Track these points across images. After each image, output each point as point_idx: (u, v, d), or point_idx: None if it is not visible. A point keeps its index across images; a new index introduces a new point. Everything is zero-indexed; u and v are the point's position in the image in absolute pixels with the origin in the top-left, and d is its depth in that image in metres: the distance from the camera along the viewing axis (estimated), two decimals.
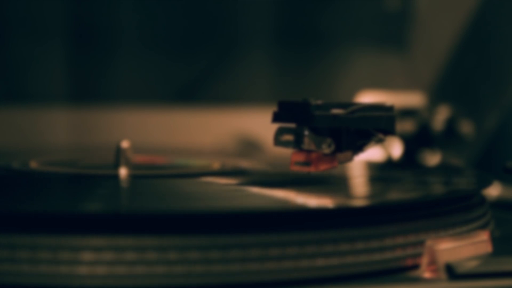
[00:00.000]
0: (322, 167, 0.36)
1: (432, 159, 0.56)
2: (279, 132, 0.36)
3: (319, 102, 0.35)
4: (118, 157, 0.43)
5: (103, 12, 0.71)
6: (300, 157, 0.36)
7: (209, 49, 0.73)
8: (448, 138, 0.57)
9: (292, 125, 0.36)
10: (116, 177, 0.41)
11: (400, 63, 0.75)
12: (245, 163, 0.49)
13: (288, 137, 0.36)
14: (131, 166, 0.43)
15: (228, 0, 0.73)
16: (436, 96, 0.65)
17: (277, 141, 0.36)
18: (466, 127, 0.58)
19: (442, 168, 0.52)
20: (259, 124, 0.67)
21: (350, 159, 0.37)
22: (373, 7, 0.75)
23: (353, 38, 0.75)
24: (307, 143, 0.35)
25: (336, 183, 0.39)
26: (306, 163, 0.36)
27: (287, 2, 0.75)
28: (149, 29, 0.72)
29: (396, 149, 0.55)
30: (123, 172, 0.42)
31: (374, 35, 0.76)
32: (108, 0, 0.71)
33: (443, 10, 0.72)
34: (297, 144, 0.36)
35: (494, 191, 0.48)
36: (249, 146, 0.69)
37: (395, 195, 0.37)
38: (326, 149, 0.35)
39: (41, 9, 0.69)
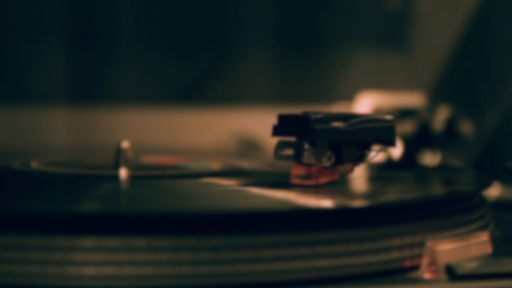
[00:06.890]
0: (323, 180, 0.36)
1: (432, 159, 0.56)
2: (280, 146, 0.36)
3: (319, 115, 0.35)
4: (118, 157, 0.43)
5: (103, 12, 0.71)
6: (301, 171, 0.36)
7: (209, 49, 0.73)
8: (448, 138, 0.57)
9: (292, 138, 0.36)
10: (116, 177, 0.41)
11: (400, 63, 0.75)
12: (245, 163, 0.49)
13: (289, 151, 0.36)
14: (131, 166, 0.43)
15: (228, 0, 0.73)
16: (436, 96, 0.65)
17: (278, 155, 0.36)
18: (466, 127, 0.58)
19: (442, 169, 0.52)
20: (259, 124, 0.67)
21: (350, 170, 0.37)
22: (373, 7, 0.75)
23: (353, 38, 0.75)
24: (307, 156, 0.35)
25: (336, 184, 0.39)
26: (307, 177, 0.35)
27: (287, 2, 0.75)
28: (149, 29, 0.72)
29: (396, 149, 0.55)
30: (123, 172, 0.42)
31: (374, 35, 0.76)
32: (108, 0, 0.71)
33: (443, 10, 0.72)
34: (297, 157, 0.35)
35: (494, 191, 0.48)
36: (249, 146, 0.69)
37: (395, 196, 0.37)
38: (326, 163, 0.35)
39: (41, 9, 0.69)
